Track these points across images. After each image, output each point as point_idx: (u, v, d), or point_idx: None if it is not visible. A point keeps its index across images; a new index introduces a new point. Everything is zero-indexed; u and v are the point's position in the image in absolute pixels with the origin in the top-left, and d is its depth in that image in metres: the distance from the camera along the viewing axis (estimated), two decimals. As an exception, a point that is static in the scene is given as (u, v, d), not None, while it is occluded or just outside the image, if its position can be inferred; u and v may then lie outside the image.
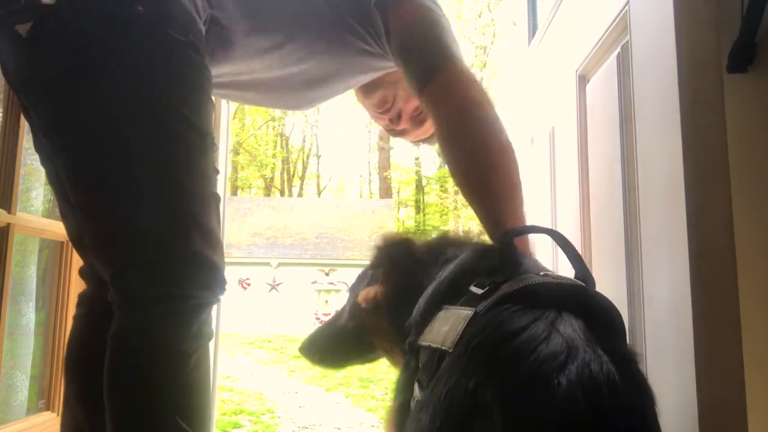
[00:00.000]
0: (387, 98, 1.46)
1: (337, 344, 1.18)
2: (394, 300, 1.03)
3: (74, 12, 1.05)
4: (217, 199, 1.13)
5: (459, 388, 0.66)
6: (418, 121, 1.50)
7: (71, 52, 1.04)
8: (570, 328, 0.68)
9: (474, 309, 0.76)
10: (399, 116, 1.49)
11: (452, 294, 0.85)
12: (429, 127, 1.49)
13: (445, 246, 1.03)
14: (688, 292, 0.78)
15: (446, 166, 1.12)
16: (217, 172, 1.16)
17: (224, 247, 1.21)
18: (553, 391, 0.61)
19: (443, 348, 0.75)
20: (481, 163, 1.04)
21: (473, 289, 0.81)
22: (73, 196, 1.09)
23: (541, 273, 0.81)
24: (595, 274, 0.87)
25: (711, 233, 0.77)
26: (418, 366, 0.81)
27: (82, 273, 1.30)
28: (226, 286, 1.12)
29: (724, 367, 0.73)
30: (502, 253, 0.87)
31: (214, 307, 1.14)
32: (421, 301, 0.91)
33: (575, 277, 0.85)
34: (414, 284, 0.98)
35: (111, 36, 1.05)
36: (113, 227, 1.06)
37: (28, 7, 1.04)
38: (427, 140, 1.59)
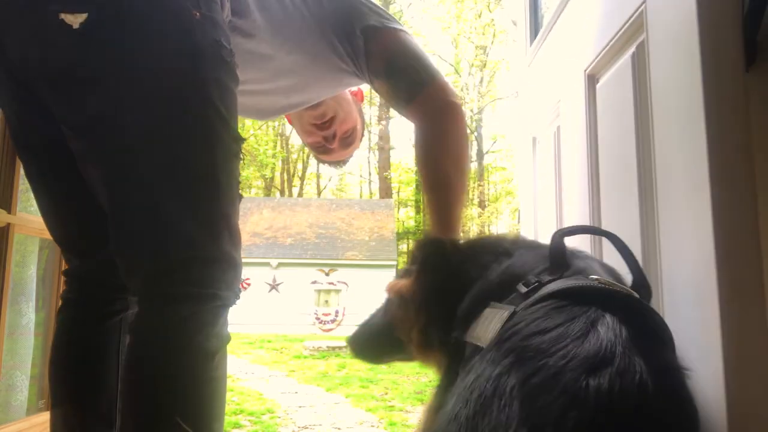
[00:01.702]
0: (327, 113, 1.59)
1: (372, 339, 1.19)
2: (422, 297, 1.01)
3: (134, 8, 1.04)
4: (240, 198, 1.16)
5: (483, 377, 0.65)
6: (346, 143, 1.66)
7: (129, 49, 1.04)
8: (611, 332, 0.64)
9: (514, 307, 0.75)
10: (334, 136, 1.63)
11: (500, 292, 0.83)
12: (350, 150, 1.70)
13: (494, 245, 1.00)
14: (716, 295, 0.76)
15: (416, 157, 1.34)
16: (239, 174, 1.19)
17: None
18: (578, 394, 0.58)
19: (481, 345, 0.74)
20: (446, 173, 1.27)
21: (519, 287, 0.80)
22: (108, 193, 1.08)
23: (591, 276, 0.78)
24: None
25: (738, 233, 0.75)
26: (460, 360, 0.80)
27: (68, 274, 1.29)
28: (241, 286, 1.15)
29: (753, 368, 0.72)
30: (552, 253, 0.85)
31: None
32: (468, 298, 0.90)
33: (631, 286, 0.82)
34: (447, 283, 0.97)
35: (171, 37, 1.06)
36: (151, 225, 1.06)
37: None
38: (337, 163, 1.77)
